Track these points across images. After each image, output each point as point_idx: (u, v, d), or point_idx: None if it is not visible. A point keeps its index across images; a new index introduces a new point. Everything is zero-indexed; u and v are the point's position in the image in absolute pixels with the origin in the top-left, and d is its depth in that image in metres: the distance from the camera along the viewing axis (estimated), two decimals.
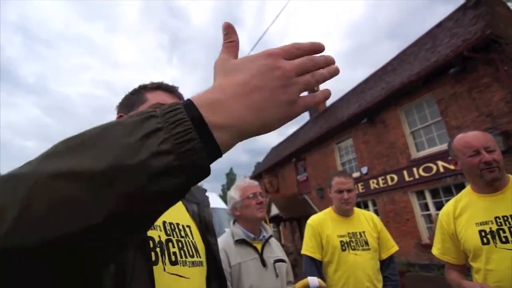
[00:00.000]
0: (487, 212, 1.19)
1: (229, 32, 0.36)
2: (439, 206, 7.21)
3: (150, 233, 0.60)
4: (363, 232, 1.76)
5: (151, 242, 0.59)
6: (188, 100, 0.29)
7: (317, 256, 1.72)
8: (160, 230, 0.64)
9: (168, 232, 0.65)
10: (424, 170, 7.41)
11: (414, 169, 7.65)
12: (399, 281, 1.76)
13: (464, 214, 1.27)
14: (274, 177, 15.27)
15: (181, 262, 0.63)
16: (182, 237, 0.69)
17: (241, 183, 1.56)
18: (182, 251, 0.65)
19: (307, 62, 0.33)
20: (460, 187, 6.72)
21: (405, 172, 7.92)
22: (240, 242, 1.41)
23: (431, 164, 7.26)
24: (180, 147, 0.25)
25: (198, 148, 0.26)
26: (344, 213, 1.81)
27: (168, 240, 0.64)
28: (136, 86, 0.79)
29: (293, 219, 11.62)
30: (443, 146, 7.14)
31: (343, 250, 1.68)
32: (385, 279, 1.72)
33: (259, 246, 1.44)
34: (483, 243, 1.16)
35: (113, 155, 0.24)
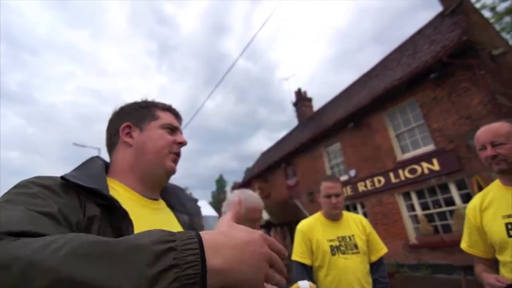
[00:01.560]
0: None
1: (238, 205, 0.55)
2: (424, 207, 7.41)
3: None
4: (352, 235, 1.77)
5: None
6: (199, 239, 0.37)
7: (307, 261, 1.72)
8: None
9: None
10: (410, 171, 7.61)
11: (400, 171, 7.85)
12: (389, 283, 1.77)
13: (491, 207, 1.25)
14: (264, 183, 15.28)
15: None
16: None
17: (250, 199, 1.39)
18: None
19: (277, 260, 0.44)
20: (443, 187, 6.95)
21: (391, 174, 8.11)
22: None
23: (415, 166, 7.46)
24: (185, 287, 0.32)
25: None
26: (333, 217, 1.82)
27: None
28: (144, 99, 0.84)
29: (284, 224, 11.63)
30: (427, 148, 7.37)
31: (333, 254, 1.68)
32: (375, 281, 1.74)
33: None
34: (509, 236, 1.14)
35: (132, 284, 0.30)
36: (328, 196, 1.77)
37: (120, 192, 0.69)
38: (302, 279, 1.62)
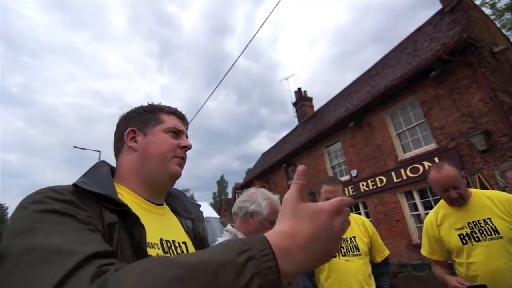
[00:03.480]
0: (461, 219, 1.54)
1: (302, 175, 0.46)
2: (427, 206, 7.35)
3: (149, 251, 0.61)
4: (354, 237, 1.75)
5: None
6: (269, 244, 0.37)
7: None
8: (158, 248, 0.65)
9: (166, 250, 0.67)
10: (411, 171, 7.56)
11: (402, 170, 7.79)
12: (391, 282, 1.78)
13: (445, 222, 1.60)
14: (265, 183, 15.24)
15: None
16: (178, 254, 0.70)
17: (275, 198, 1.40)
18: None
19: (345, 224, 0.43)
20: None
21: (393, 174, 8.06)
22: None
23: (417, 165, 7.41)
24: None
25: None
26: None
27: None
28: (150, 103, 0.84)
29: None
30: (428, 147, 7.32)
31: (334, 256, 1.65)
32: (381, 275, 1.76)
33: None
34: (463, 244, 1.52)
35: None
36: (329, 200, 1.74)
37: (127, 197, 0.69)
38: (303, 282, 1.62)
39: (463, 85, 6.47)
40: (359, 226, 1.81)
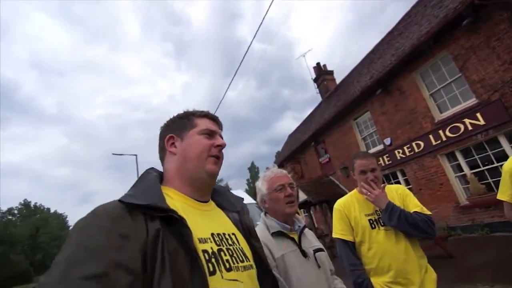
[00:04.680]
0: None
1: None
2: (473, 165, 6.95)
3: (202, 246, 0.66)
4: None
5: (206, 254, 0.65)
6: None
7: (348, 237, 1.72)
8: (211, 242, 0.70)
9: (218, 243, 0.72)
10: (451, 130, 7.14)
11: (440, 132, 7.38)
12: (428, 220, 1.60)
13: None
14: (296, 164, 15.26)
15: (234, 267, 0.70)
16: (230, 245, 0.75)
17: (267, 173, 1.47)
18: (233, 258, 0.72)
19: None
20: (493, 142, 6.45)
21: (431, 136, 7.66)
22: (277, 234, 1.34)
23: (457, 124, 6.97)
24: None
25: None
26: None
27: (220, 250, 0.70)
28: (185, 110, 0.91)
29: (322, 201, 11.61)
30: (468, 103, 6.82)
31: (373, 228, 1.66)
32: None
33: (295, 237, 1.37)
34: None
35: None
36: (364, 172, 1.74)
37: (175, 197, 0.76)
38: (346, 254, 1.69)
39: (502, 30, 5.86)
40: (394, 195, 1.76)
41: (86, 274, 0.46)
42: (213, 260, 0.65)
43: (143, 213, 0.60)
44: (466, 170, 7.08)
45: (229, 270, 0.68)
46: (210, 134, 0.86)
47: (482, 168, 6.71)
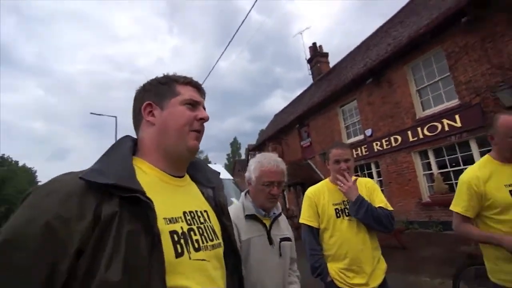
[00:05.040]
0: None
1: None
2: (441, 165, 7.10)
3: (172, 226, 0.64)
4: None
5: (175, 235, 0.63)
6: None
7: (313, 224, 1.83)
8: (182, 221, 0.68)
9: (189, 222, 0.70)
10: (429, 129, 7.17)
11: (419, 129, 7.41)
12: (389, 215, 1.71)
13: (493, 178, 1.53)
14: (278, 144, 15.25)
15: (203, 247, 0.69)
16: (201, 223, 0.74)
17: (265, 161, 1.40)
18: (203, 237, 0.71)
19: None
20: (463, 145, 6.54)
21: (409, 133, 7.70)
22: (250, 217, 1.38)
23: (436, 123, 6.99)
24: None
25: None
26: None
27: (190, 230, 0.69)
28: (165, 74, 0.82)
29: (297, 184, 11.79)
30: (450, 103, 6.81)
31: (338, 217, 1.76)
32: None
33: (268, 223, 1.42)
34: None
35: None
36: (337, 162, 1.80)
37: (148, 171, 0.71)
38: (309, 240, 1.83)
39: (498, 32, 5.72)
40: (363, 188, 1.84)
41: (14, 262, 0.48)
42: (182, 241, 0.64)
43: (101, 194, 0.57)
44: (434, 169, 7.23)
45: (197, 250, 0.67)
46: (193, 104, 0.78)
47: (449, 169, 6.87)
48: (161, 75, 0.82)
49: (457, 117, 6.50)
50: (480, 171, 1.59)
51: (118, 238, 0.53)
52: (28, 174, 50.62)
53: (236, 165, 27.93)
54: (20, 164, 50.10)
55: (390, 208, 1.78)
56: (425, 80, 7.49)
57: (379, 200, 1.80)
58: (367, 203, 1.68)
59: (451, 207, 1.65)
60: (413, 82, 7.77)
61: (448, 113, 6.71)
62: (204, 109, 0.83)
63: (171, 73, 0.82)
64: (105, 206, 0.55)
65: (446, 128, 6.75)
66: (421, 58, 7.45)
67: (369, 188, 1.85)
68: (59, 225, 0.51)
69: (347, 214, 1.75)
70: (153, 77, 0.82)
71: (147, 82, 0.81)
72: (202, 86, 0.86)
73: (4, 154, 46.48)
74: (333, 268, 1.73)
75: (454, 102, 6.70)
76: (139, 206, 0.58)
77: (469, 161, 6.32)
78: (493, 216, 1.51)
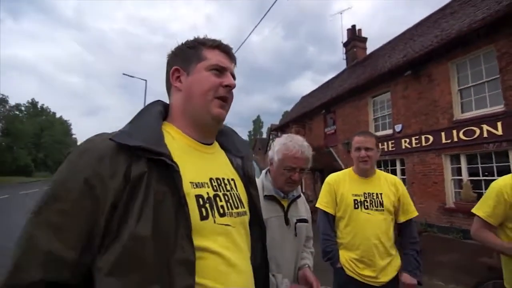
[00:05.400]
0: None
1: None
2: (472, 172, 6.80)
3: (199, 191, 0.67)
4: (380, 193, 1.78)
5: (200, 199, 0.66)
6: None
7: (330, 210, 1.86)
8: (208, 187, 0.70)
9: (215, 188, 0.72)
10: (465, 133, 6.80)
11: (454, 131, 7.05)
12: (418, 243, 1.81)
13: None
14: (301, 128, 15.11)
15: (228, 213, 0.71)
16: (228, 190, 0.75)
17: (290, 144, 1.32)
18: (228, 204, 0.72)
19: None
20: (501, 155, 6.19)
21: (443, 134, 7.34)
22: (269, 197, 1.37)
23: (474, 128, 6.60)
24: None
25: None
26: (363, 173, 1.84)
27: (216, 195, 0.70)
28: (196, 37, 0.79)
29: (316, 169, 11.81)
30: (493, 109, 6.36)
31: (356, 208, 1.76)
32: (406, 244, 1.81)
33: (285, 204, 1.41)
34: None
35: None
36: (358, 149, 1.78)
37: (176, 137, 0.73)
38: (324, 224, 1.86)
39: None
40: (389, 185, 1.83)
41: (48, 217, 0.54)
42: (207, 205, 0.66)
43: (130, 155, 0.59)
44: (464, 176, 6.95)
45: (222, 215, 0.69)
46: (220, 70, 0.75)
47: (480, 178, 6.58)
48: (191, 39, 0.79)
49: (499, 124, 6.10)
50: None
51: (147, 196, 0.56)
52: (64, 126, 53.91)
53: (257, 143, 28.15)
54: (57, 116, 53.29)
55: (416, 214, 1.81)
56: (469, 80, 6.98)
57: (412, 210, 1.81)
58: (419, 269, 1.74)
59: (473, 210, 1.63)
60: (456, 80, 7.27)
61: (490, 119, 6.30)
62: (233, 76, 0.79)
63: (201, 36, 0.79)
64: (134, 167, 0.58)
65: (485, 135, 6.37)
66: (469, 56, 6.89)
67: (398, 189, 1.81)
68: (96, 182, 0.55)
69: (365, 207, 1.75)
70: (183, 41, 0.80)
71: (176, 47, 0.79)
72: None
73: (43, 104, 49.65)
74: (345, 256, 1.76)
75: (499, 107, 6.24)
76: (166, 168, 0.60)
77: (505, 172, 5.92)
78: None
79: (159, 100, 0.79)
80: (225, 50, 0.78)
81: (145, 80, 16.65)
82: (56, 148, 44.49)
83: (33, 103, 47.52)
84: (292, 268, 1.38)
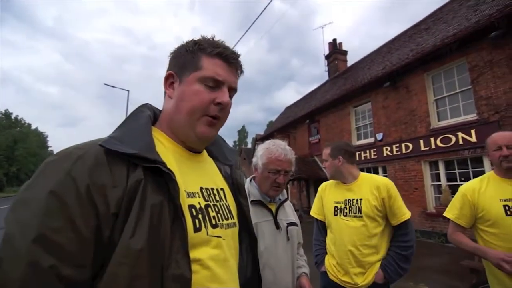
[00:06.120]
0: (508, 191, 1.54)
1: None
2: (451, 178, 7.12)
3: (190, 201, 0.63)
4: (360, 199, 1.73)
5: (193, 210, 0.62)
6: None
7: (319, 217, 1.96)
8: (199, 197, 0.66)
9: (206, 198, 0.68)
10: (442, 140, 7.15)
11: (432, 139, 7.40)
12: (406, 248, 1.67)
13: (489, 191, 1.60)
14: (285, 137, 15.28)
15: (219, 225, 0.67)
16: (217, 201, 0.72)
17: (273, 148, 1.35)
18: (219, 215, 0.69)
19: None
20: (476, 160, 6.53)
21: (421, 142, 7.69)
22: (256, 202, 1.36)
23: (450, 135, 6.97)
24: None
25: None
26: (344, 180, 1.86)
27: (207, 206, 0.67)
28: (201, 36, 0.71)
29: (301, 178, 11.91)
30: (467, 117, 6.76)
31: (335, 215, 1.80)
32: (392, 247, 1.70)
33: (273, 208, 1.41)
34: (507, 215, 1.49)
35: None
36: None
37: (166, 144, 0.68)
38: (315, 231, 1.96)
39: None
40: (372, 188, 1.73)
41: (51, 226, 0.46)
42: (200, 216, 0.63)
43: (127, 163, 0.54)
44: (443, 181, 7.26)
45: (214, 226, 0.65)
46: (215, 84, 0.67)
47: (458, 183, 6.89)
48: (195, 39, 0.70)
49: (473, 131, 6.47)
50: (479, 184, 1.67)
51: (142, 207, 0.52)
52: (40, 137, 51.19)
53: (242, 153, 28.06)
54: (33, 127, 50.70)
55: (408, 216, 1.69)
56: (444, 91, 7.40)
57: (402, 213, 1.68)
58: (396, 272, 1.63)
59: (445, 213, 1.73)
60: (432, 91, 7.69)
61: (464, 127, 6.68)
62: (234, 88, 0.71)
63: (208, 37, 0.71)
64: (131, 175, 0.54)
65: (460, 142, 6.73)
66: (443, 68, 7.34)
67: (380, 192, 1.69)
68: (97, 192, 0.49)
69: (344, 214, 1.75)
70: (188, 40, 0.72)
71: (178, 46, 0.72)
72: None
73: (18, 116, 47.13)
74: (329, 261, 1.82)
75: (472, 116, 6.64)
76: (161, 176, 0.56)
77: None
78: (486, 228, 1.57)
79: (146, 104, 0.73)
80: (227, 59, 0.68)
81: (128, 91, 16.39)
82: (30, 161, 42.18)
83: (7, 114, 45.12)
84: (290, 275, 1.35)
